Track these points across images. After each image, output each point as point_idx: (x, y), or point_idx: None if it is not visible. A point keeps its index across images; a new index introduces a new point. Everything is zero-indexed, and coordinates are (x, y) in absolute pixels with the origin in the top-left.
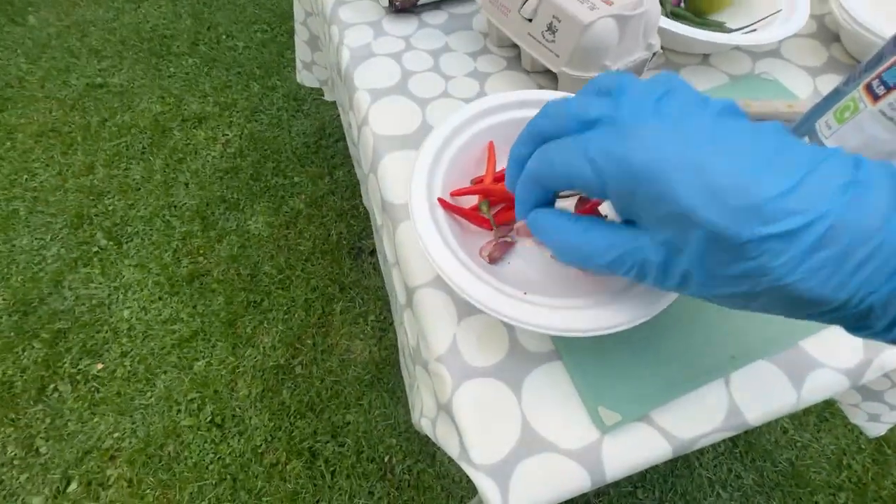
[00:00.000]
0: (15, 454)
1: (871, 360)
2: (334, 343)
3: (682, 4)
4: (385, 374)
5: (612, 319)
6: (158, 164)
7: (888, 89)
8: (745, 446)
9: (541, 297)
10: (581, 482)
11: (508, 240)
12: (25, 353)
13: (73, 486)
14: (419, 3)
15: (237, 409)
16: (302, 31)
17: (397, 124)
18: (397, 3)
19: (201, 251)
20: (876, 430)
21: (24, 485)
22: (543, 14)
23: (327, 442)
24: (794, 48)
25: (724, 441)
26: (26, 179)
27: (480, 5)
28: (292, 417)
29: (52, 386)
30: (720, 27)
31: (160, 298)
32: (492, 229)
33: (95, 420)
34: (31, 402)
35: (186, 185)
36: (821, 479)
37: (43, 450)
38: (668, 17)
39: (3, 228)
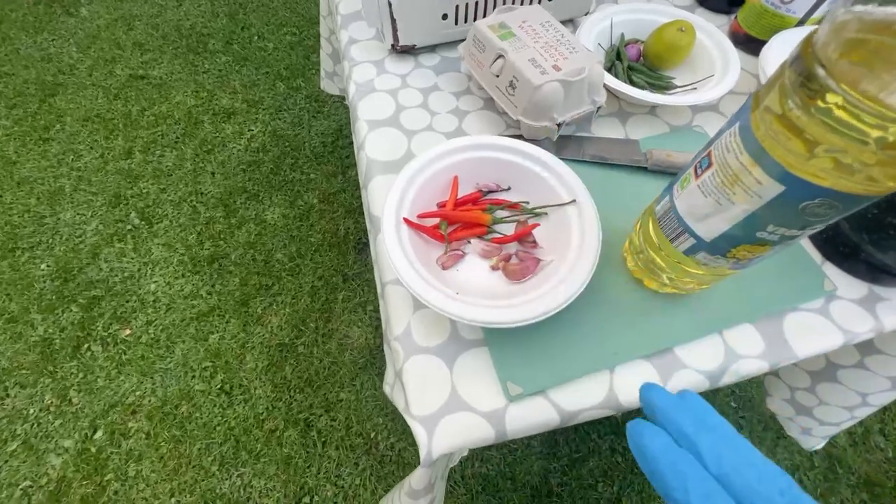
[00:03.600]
0: (51, 402)
1: (727, 367)
2: (334, 328)
3: (640, 60)
4: (378, 360)
5: (523, 315)
6: (189, 154)
7: (703, 170)
8: None
9: (473, 297)
10: (487, 435)
11: (459, 253)
12: (64, 315)
13: (99, 433)
14: (417, 46)
15: (244, 380)
16: (326, 46)
17: (387, 151)
18: (398, 47)
19: (222, 236)
20: (810, 443)
21: (58, 429)
22: (506, 73)
23: (321, 415)
24: (730, 104)
25: None
26: (72, 159)
27: (462, 56)
28: (292, 391)
29: (85, 346)
30: (669, 82)
31: (183, 276)
32: (444, 242)
33: (121, 378)
34: (67, 359)
35: (213, 174)
36: None
37: (75, 400)
38: (625, 71)
39: (51, 202)
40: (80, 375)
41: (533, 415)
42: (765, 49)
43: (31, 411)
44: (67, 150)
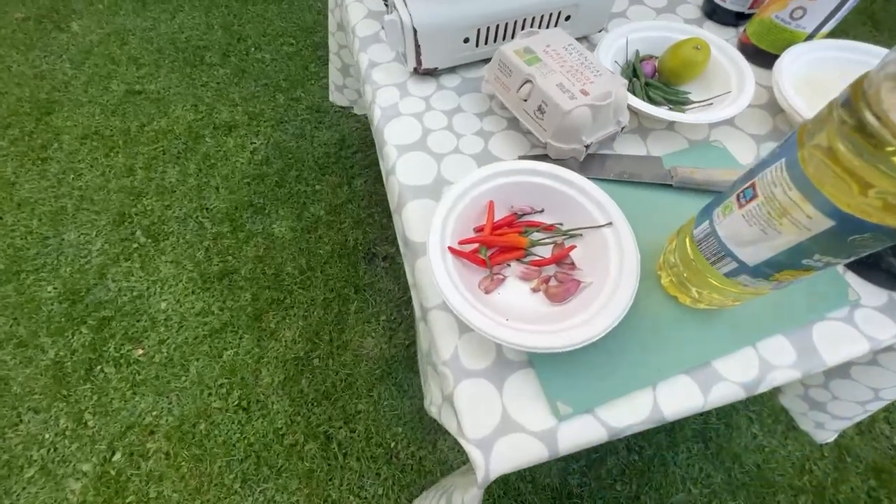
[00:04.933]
0: (66, 426)
1: (763, 377)
2: (349, 339)
3: (656, 76)
4: (394, 370)
5: (567, 341)
6: (192, 169)
7: (747, 201)
8: (717, 448)
9: (518, 322)
10: (541, 454)
11: (500, 276)
12: (75, 338)
13: (118, 456)
14: (438, 68)
15: (261, 395)
16: (335, 60)
17: (418, 176)
18: (420, 70)
19: (230, 251)
20: (823, 436)
21: (75, 453)
22: (535, 98)
23: (340, 427)
24: (746, 117)
25: (696, 443)
26: (73, 179)
27: (486, 80)
28: (310, 404)
29: (98, 367)
30: (685, 98)
31: (193, 293)
32: (487, 268)
33: (136, 399)
34: (81, 381)
35: (217, 189)
36: (784, 482)
37: (91, 423)
38: (643, 88)
39: (53, 223)
40: (95, 398)
41: (583, 433)
42: (778, 63)
43: (47, 436)
44: (67, 168)
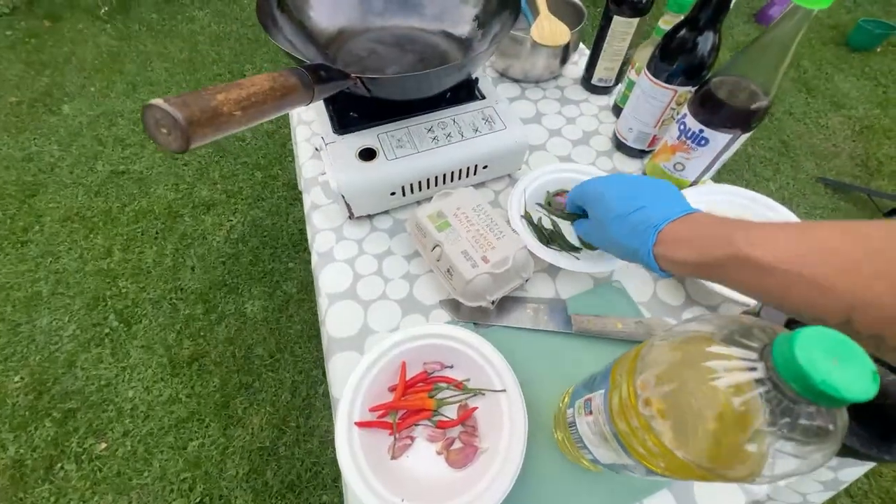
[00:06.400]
0: None
1: None
2: (315, 424)
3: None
4: None
5: None
6: (169, 249)
7: (588, 413)
8: None
9: (418, 501)
10: None
11: (408, 440)
12: (38, 432)
13: None
14: (371, 213)
15: (224, 490)
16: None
17: (345, 326)
18: (353, 217)
19: (202, 333)
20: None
21: None
22: (444, 261)
23: None
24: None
25: None
26: (50, 262)
27: (408, 233)
28: (274, 498)
29: (59, 465)
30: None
31: (162, 379)
32: (393, 433)
33: (96, 499)
34: (39, 482)
35: (193, 268)
36: None
37: None
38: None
39: (27, 309)
40: (52, 500)
41: None
42: None
43: None
44: (46, 252)
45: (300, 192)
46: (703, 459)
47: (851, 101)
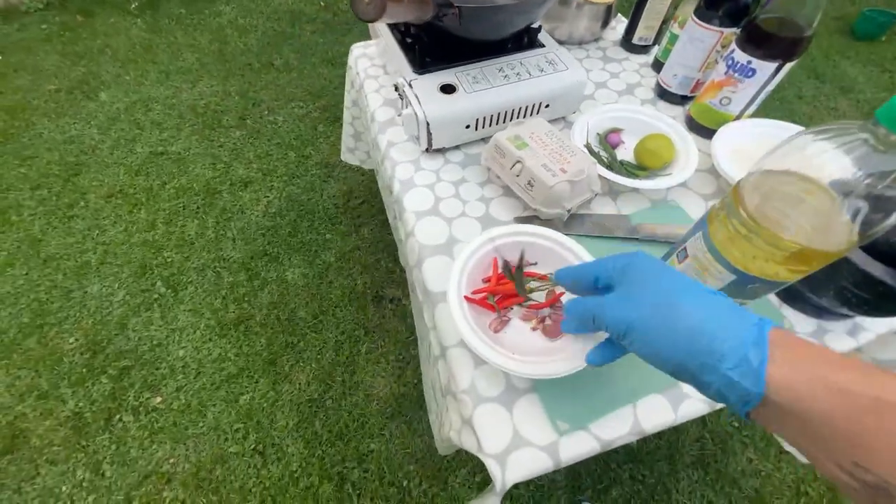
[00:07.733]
0: (84, 478)
1: None
2: (360, 380)
3: (621, 142)
4: (404, 408)
5: (561, 369)
6: (210, 222)
7: (683, 259)
8: (715, 474)
9: (522, 355)
10: (546, 465)
11: (506, 318)
12: (95, 388)
13: None
14: (445, 147)
15: (276, 438)
16: (349, 129)
17: (433, 237)
18: (430, 149)
19: (246, 298)
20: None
21: None
22: (525, 175)
23: (354, 468)
24: (695, 180)
25: (696, 470)
26: (97, 234)
27: (485, 158)
28: (324, 445)
29: (117, 416)
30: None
31: (210, 340)
32: (494, 311)
33: (154, 447)
34: (100, 431)
35: (234, 240)
36: None
37: (108, 474)
38: (611, 160)
39: (77, 277)
40: (113, 448)
41: (579, 445)
42: (714, 138)
43: (64, 489)
44: (92, 225)
45: (333, 170)
46: (804, 237)
47: (859, 85)
